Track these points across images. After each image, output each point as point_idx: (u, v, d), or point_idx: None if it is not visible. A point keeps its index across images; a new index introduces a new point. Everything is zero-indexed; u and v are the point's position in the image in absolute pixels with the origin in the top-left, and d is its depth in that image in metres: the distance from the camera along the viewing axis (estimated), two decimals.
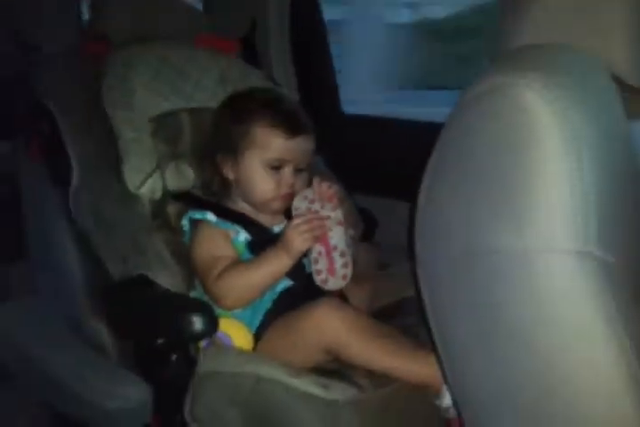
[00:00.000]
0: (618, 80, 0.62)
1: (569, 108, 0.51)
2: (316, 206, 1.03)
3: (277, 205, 1.09)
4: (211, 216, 1.08)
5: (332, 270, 1.02)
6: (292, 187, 1.08)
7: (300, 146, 1.08)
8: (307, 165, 1.11)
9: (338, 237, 1.02)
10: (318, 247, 1.02)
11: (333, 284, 1.02)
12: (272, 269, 1.01)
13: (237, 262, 1.04)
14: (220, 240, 1.07)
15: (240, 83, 1.27)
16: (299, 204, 1.03)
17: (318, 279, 1.02)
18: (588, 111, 0.53)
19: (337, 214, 1.03)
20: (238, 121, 1.09)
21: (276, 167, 1.07)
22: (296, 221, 1.01)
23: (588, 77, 0.57)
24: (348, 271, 1.02)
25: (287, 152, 1.07)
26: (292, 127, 1.07)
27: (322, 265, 1.02)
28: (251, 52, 1.57)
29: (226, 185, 1.13)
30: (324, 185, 1.03)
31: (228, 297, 1.01)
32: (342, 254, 1.02)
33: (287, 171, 1.08)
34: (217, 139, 1.12)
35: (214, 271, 1.02)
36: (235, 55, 1.37)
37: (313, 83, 1.64)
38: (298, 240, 0.99)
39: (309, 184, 1.07)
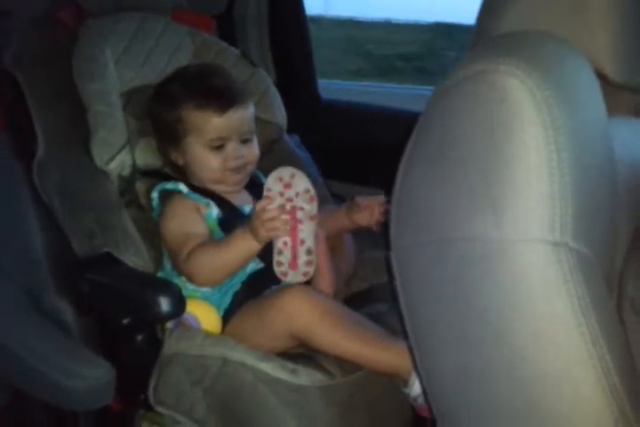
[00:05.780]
0: (599, 74, 0.62)
1: (550, 96, 0.51)
2: (291, 194, 0.95)
3: (232, 178, 1.08)
4: (183, 187, 1.07)
5: (294, 265, 0.96)
6: (240, 158, 1.06)
7: (236, 118, 1.06)
8: (251, 132, 1.09)
9: (308, 231, 0.95)
10: (284, 237, 0.95)
11: (293, 278, 0.97)
12: (241, 252, 0.98)
13: (207, 242, 1.01)
14: (191, 213, 1.05)
15: (215, 61, 1.25)
16: (272, 185, 0.95)
17: (278, 271, 0.97)
18: (570, 101, 0.53)
19: (312, 208, 0.95)
20: (167, 109, 1.08)
21: (218, 146, 1.06)
22: (263, 205, 0.94)
23: (571, 67, 0.57)
24: (311, 270, 0.97)
25: (224, 129, 1.05)
26: (221, 103, 1.05)
27: (285, 258, 0.96)
28: (228, 33, 1.54)
29: (180, 170, 1.12)
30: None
31: (199, 276, 1.00)
32: (308, 252, 0.96)
33: (230, 146, 1.06)
34: (155, 128, 1.12)
35: (184, 250, 1.00)
36: (211, 33, 1.35)
37: (290, 67, 1.62)
38: (263, 229, 0.94)
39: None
